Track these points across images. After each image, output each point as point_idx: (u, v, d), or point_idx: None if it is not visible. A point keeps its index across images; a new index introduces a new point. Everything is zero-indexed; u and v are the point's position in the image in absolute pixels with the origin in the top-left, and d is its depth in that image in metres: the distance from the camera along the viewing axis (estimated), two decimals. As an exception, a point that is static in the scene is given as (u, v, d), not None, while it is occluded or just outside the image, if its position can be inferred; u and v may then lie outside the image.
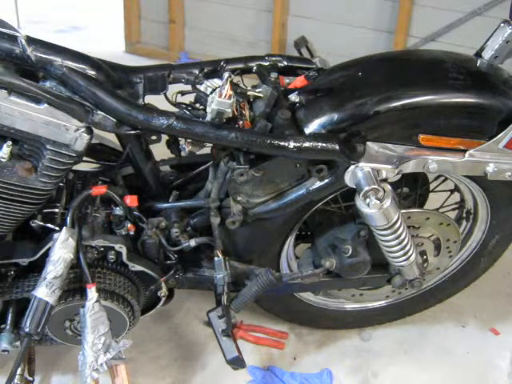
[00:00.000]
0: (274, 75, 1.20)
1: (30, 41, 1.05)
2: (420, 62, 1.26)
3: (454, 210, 1.57)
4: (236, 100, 1.15)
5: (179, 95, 1.25)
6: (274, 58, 1.31)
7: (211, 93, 1.18)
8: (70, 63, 1.08)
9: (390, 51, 2.82)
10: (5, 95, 1.03)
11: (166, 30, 3.49)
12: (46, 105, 1.05)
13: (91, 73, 1.10)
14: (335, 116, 1.14)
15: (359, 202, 1.14)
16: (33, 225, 1.21)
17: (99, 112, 1.09)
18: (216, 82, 1.20)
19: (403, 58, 1.31)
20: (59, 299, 1.17)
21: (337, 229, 1.36)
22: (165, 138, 1.26)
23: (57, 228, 1.20)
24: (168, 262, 1.36)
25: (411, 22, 2.90)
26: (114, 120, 1.10)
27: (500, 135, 1.17)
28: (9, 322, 1.26)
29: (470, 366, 1.64)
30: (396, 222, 1.17)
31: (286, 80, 1.27)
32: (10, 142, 1.08)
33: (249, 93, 1.18)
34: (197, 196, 1.37)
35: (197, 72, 1.22)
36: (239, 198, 1.22)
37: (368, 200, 1.12)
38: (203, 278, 1.40)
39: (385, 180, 1.17)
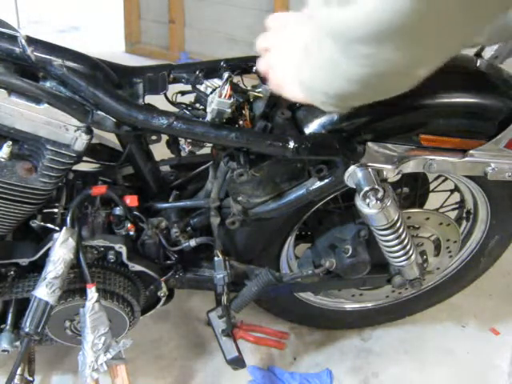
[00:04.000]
0: (274, 75, 1.20)
1: (30, 41, 1.05)
2: (420, 62, 1.26)
3: (453, 209, 1.57)
4: (236, 100, 1.15)
5: (179, 95, 1.25)
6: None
7: (211, 93, 1.18)
8: (70, 63, 1.08)
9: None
10: (5, 95, 1.03)
11: (166, 30, 3.49)
12: (46, 105, 1.05)
13: (91, 73, 1.10)
14: (335, 116, 1.14)
15: (359, 202, 1.14)
16: (33, 225, 1.21)
17: (99, 112, 1.08)
18: (216, 82, 1.20)
19: (403, 58, 1.31)
20: (59, 299, 1.17)
21: (337, 229, 1.36)
22: (165, 137, 1.26)
23: (57, 228, 1.20)
24: (168, 262, 1.36)
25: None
26: (114, 120, 1.10)
27: (500, 135, 1.16)
28: (9, 322, 1.27)
29: (470, 366, 1.65)
30: (396, 222, 1.17)
31: (286, 80, 1.26)
32: (10, 142, 1.07)
33: (249, 93, 1.18)
34: (197, 196, 1.37)
35: (197, 72, 1.22)
36: (239, 198, 1.22)
37: (368, 200, 1.12)
38: (203, 277, 1.40)
39: (385, 180, 1.17)
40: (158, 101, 1.17)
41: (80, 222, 1.22)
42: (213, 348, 1.62)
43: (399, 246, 1.22)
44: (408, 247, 1.24)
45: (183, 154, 1.28)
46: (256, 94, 1.17)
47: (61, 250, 1.15)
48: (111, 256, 1.25)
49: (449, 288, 1.67)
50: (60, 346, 1.38)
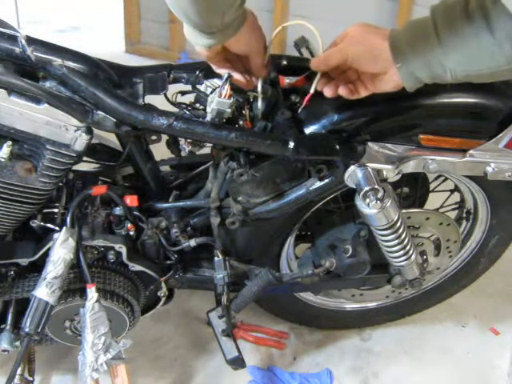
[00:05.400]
0: (273, 75, 1.20)
1: (30, 41, 1.05)
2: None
3: (454, 209, 1.57)
4: (236, 100, 1.15)
5: (179, 95, 1.25)
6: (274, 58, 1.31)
7: (211, 93, 1.18)
8: (70, 63, 1.08)
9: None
10: (5, 95, 1.03)
11: (166, 30, 3.49)
12: (46, 105, 1.05)
13: (91, 73, 1.10)
14: (335, 116, 1.14)
15: (359, 202, 1.14)
16: (33, 225, 1.21)
17: (99, 112, 1.08)
18: (216, 81, 1.20)
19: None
20: (59, 299, 1.17)
21: (337, 229, 1.36)
22: (165, 137, 1.26)
23: (57, 228, 1.20)
24: (168, 261, 1.36)
25: (411, 22, 2.90)
26: (114, 120, 1.10)
27: (500, 135, 1.16)
28: (9, 322, 1.26)
29: (470, 366, 1.65)
30: (396, 222, 1.17)
31: (286, 80, 1.27)
32: (10, 142, 1.07)
33: (249, 93, 1.18)
34: (197, 196, 1.37)
35: (197, 72, 1.22)
36: (239, 198, 1.22)
37: (368, 200, 1.11)
38: (203, 278, 1.40)
39: (385, 180, 1.17)
40: (157, 101, 1.17)
41: (80, 222, 1.22)
42: (213, 348, 1.61)
43: (399, 246, 1.22)
44: (408, 247, 1.23)
45: (183, 154, 1.28)
46: (256, 94, 1.16)
47: (61, 249, 1.15)
48: (111, 256, 1.25)
49: (449, 288, 1.67)
50: (60, 346, 1.38)
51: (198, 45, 0.99)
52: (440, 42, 0.86)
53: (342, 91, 1.02)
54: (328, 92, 1.04)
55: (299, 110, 1.15)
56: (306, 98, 1.10)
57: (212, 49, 0.99)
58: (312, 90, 1.07)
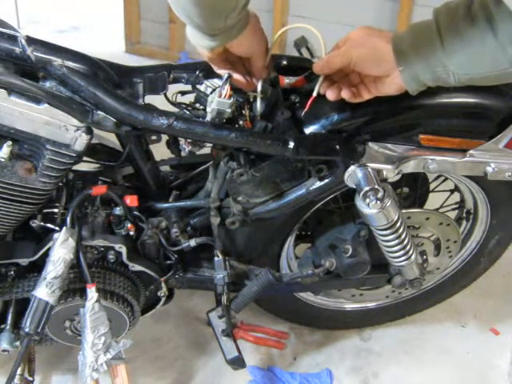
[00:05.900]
0: (273, 75, 1.20)
1: (30, 41, 1.05)
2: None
3: (454, 209, 1.57)
4: (236, 100, 1.15)
5: (179, 95, 1.25)
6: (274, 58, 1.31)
7: (211, 93, 1.18)
8: (70, 63, 1.08)
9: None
10: (5, 95, 1.03)
11: (166, 30, 3.49)
12: (46, 105, 1.05)
13: (91, 73, 1.10)
14: (335, 116, 1.14)
15: (359, 202, 1.14)
16: (33, 225, 1.21)
17: (99, 112, 1.08)
18: (216, 82, 1.20)
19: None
20: (59, 299, 1.17)
21: (337, 229, 1.36)
22: (165, 137, 1.26)
23: (57, 228, 1.20)
24: (168, 262, 1.36)
25: (411, 22, 2.90)
26: (114, 120, 1.10)
27: (500, 135, 1.16)
28: (9, 322, 1.27)
29: (470, 366, 1.65)
30: (396, 222, 1.17)
31: (286, 80, 1.27)
32: (10, 142, 1.07)
33: (249, 93, 1.18)
34: (197, 196, 1.37)
35: (197, 72, 1.22)
36: (239, 198, 1.22)
37: (368, 200, 1.11)
38: (203, 277, 1.40)
39: (385, 180, 1.17)
40: (158, 101, 1.17)
41: (80, 222, 1.22)
42: (213, 348, 1.62)
43: (399, 246, 1.22)
44: (408, 247, 1.23)
45: (183, 154, 1.28)
46: (256, 94, 1.16)
47: (61, 249, 1.15)
48: (111, 256, 1.25)
49: (449, 288, 1.67)
50: (60, 346, 1.38)
51: (200, 46, 0.99)
52: (443, 45, 0.86)
53: (345, 94, 1.02)
54: (331, 95, 1.03)
55: (302, 114, 1.14)
56: (309, 102, 1.09)
57: (214, 50, 0.99)
58: (315, 93, 1.07)
